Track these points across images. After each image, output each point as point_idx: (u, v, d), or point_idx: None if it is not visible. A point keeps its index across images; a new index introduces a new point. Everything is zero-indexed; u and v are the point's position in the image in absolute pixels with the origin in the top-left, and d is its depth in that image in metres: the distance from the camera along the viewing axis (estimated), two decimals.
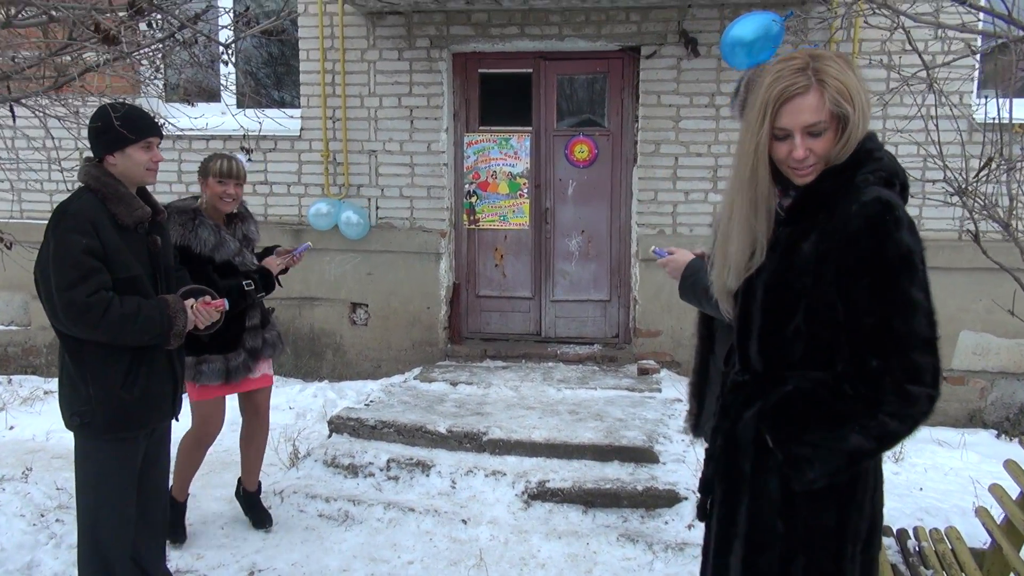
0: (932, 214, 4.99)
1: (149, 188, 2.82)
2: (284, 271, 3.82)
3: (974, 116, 4.84)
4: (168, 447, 2.96)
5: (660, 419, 4.74)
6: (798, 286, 1.60)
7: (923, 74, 2.92)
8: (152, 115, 2.70)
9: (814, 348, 1.62)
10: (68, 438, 5.18)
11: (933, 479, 4.54)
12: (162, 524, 3.00)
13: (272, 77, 6.78)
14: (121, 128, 2.54)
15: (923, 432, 5.32)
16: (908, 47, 3.09)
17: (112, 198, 2.55)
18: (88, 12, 1.98)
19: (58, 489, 4.09)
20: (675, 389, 5.38)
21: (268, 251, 3.87)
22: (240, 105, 6.18)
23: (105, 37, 1.93)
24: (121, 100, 2.50)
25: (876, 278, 1.52)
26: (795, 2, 5.53)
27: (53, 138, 2.67)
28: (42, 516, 3.80)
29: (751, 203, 1.66)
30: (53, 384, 6.06)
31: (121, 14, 2.29)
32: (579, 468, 4.26)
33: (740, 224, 1.67)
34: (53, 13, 2.03)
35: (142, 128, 2.62)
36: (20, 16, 2.06)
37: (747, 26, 3.38)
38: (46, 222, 2.57)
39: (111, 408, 2.60)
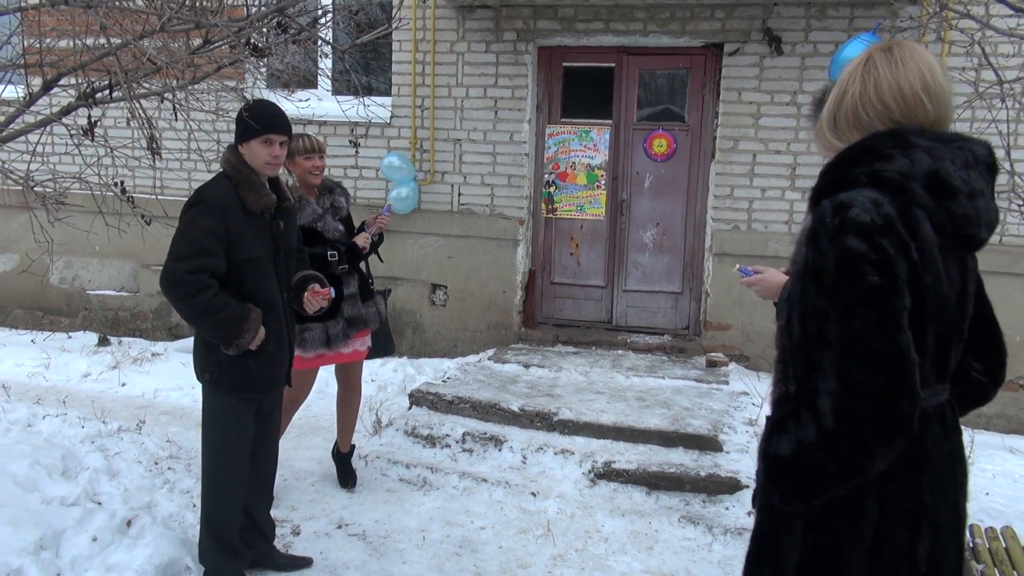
0: (1014, 220, 4.95)
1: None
2: (380, 239, 4.11)
3: None
4: (280, 407, 3.30)
5: (726, 410, 4.88)
6: (792, 294, 1.51)
7: (1000, 86, 2.98)
8: (283, 115, 2.94)
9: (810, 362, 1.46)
10: (175, 396, 5.68)
11: (1001, 484, 4.56)
12: (271, 478, 3.34)
13: (363, 64, 7.12)
14: (247, 121, 2.84)
15: (995, 439, 5.31)
16: (992, 54, 3.15)
17: (244, 185, 2.85)
18: (245, 28, 2.27)
19: (168, 441, 4.52)
20: (742, 382, 5.50)
21: (360, 230, 4.17)
22: (335, 92, 6.55)
23: (255, 51, 2.22)
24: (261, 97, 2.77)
25: (813, 284, 1.41)
26: (883, 2, 5.51)
27: (192, 123, 2.98)
28: (156, 464, 4.22)
29: None
30: (160, 347, 6.61)
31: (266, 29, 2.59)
32: (644, 452, 4.45)
33: None
34: (200, 22, 2.33)
35: (264, 124, 2.87)
36: (172, 23, 2.36)
37: (857, 49, 3.65)
38: (184, 198, 2.89)
39: (238, 371, 2.93)
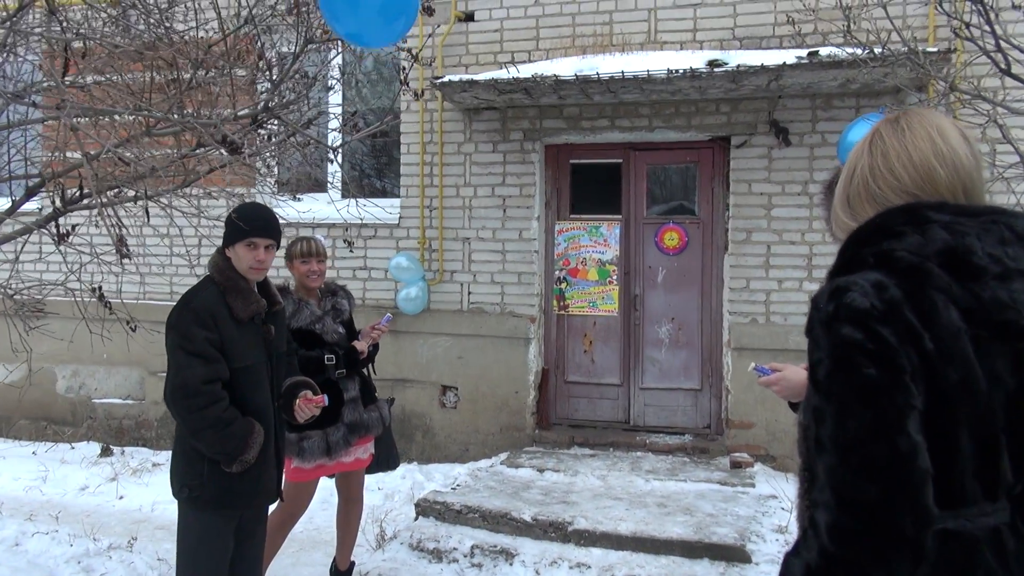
0: None
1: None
2: (376, 348, 3.97)
3: None
4: (264, 523, 3.07)
5: (753, 516, 4.56)
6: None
7: (1019, 165, 2.85)
8: (270, 217, 2.87)
9: None
10: (172, 510, 5.41)
11: None
12: None
13: (375, 167, 7.19)
14: (234, 223, 2.77)
15: None
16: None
17: (231, 291, 2.75)
18: (217, 125, 2.22)
19: (159, 559, 4.27)
20: (769, 485, 5.17)
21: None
22: (344, 196, 6.58)
23: (230, 147, 2.16)
24: (250, 200, 2.72)
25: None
26: (889, 92, 5.50)
27: (177, 227, 2.92)
28: None
29: None
30: (162, 457, 6.40)
31: (241, 123, 2.54)
32: (667, 564, 4.12)
33: None
34: (183, 125, 2.28)
35: (250, 228, 2.79)
36: (158, 127, 2.32)
37: (864, 128, 3.67)
38: (166, 303, 2.79)
39: (222, 485, 2.74)
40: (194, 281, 2.85)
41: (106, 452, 6.64)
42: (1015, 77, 2.66)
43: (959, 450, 1.21)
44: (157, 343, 4.00)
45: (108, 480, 5.91)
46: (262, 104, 2.34)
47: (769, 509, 4.72)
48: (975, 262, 1.26)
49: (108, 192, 2.46)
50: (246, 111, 2.49)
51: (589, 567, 4.10)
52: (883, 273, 1.26)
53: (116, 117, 2.40)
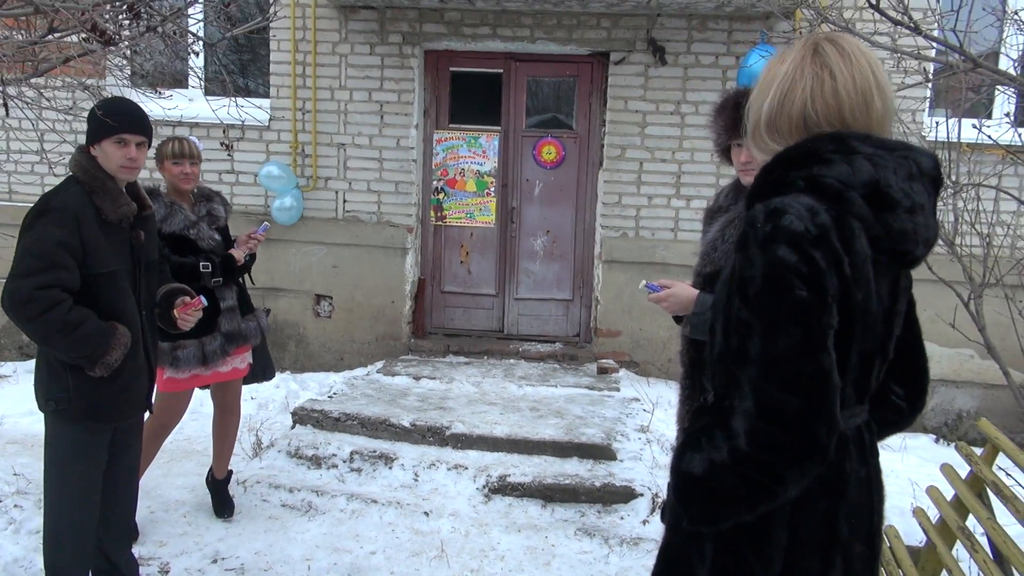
0: None
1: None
2: (252, 257, 3.84)
3: (926, 136, 5.07)
4: (140, 436, 2.98)
5: (618, 417, 4.88)
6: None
7: None
8: (140, 112, 2.66)
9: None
10: (24, 423, 5.14)
11: None
12: (129, 513, 3.02)
13: (238, 64, 6.74)
14: (99, 119, 2.55)
15: None
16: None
17: (99, 191, 2.55)
18: (87, 10, 2.00)
19: (15, 475, 4.06)
20: (633, 388, 5.53)
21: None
22: (208, 93, 6.15)
23: (102, 36, 1.96)
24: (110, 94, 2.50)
25: (738, 293, 1.32)
26: (760, 17, 5.71)
27: (43, 120, 2.64)
28: (0, 501, 3.77)
29: None
30: (6, 368, 5.98)
31: (111, 8, 2.31)
32: (539, 464, 4.37)
33: None
34: (39, 5, 2.04)
35: (118, 123, 2.58)
36: (5, 6, 2.06)
37: (759, 58, 4.41)
38: (6, 203, 2.56)
39: (89, 398, 2.61)
40: (29, 180, 2.62)
41: None
42: (880, 11, 2.84)
43: (848, 362, 1.35)
44: None
45: None
46: None
47: (632, 411, 5.06)
48: (892, 195, 1.34)
49: None
50: None
51: (466, 468, 4.28)
52: (814, 198, 1.31)
53: None
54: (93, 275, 2.57)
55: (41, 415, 2.72)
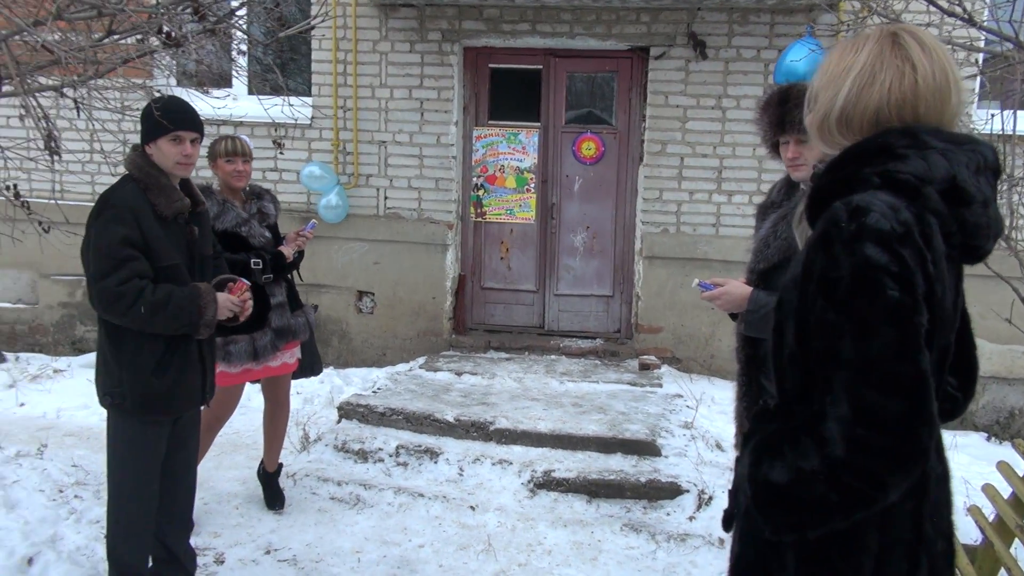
0: None
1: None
2: (301, 255, 3.90)
3: (976, 129, 4.97)
4: (197, 430, 3.05)
5: (662, 413, 4.86)
6: (786, 303, 1.39)
7: None
8: (193, 110, 2.74)
9: (810, 380, 1.34)
10: (80, 416, 5.29)
11: None
12: (188, 505, 3.09)
13: (280, 64, 6.82)
14: (155, 118, 2.62)
15: None
16: None
17: (153, 188, 2.62)
18: (157, 14, 2.05)
19: (74, 466, 4.17)
20: (676, 385, 5.51)
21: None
22: (250, 92, 6.25)
23: (168, 38, 2.01)
24: (166, 94, 2.56)
25: (823, 295, 1.28)
26: (803, 9, 5.64)
27: (94, 120, 2.71)
28: (60, 492, 3.88)
29: None
30: (62, 363, 6.15)
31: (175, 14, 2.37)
32: (583, 459, 4.37)
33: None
34: (102, 8, 2.10)
35: (173, 121, 2.66)
36: (71, 9, 2.13)
37: (801, 51, 4.48)
38: (87, 204, 2.63)
39: (141, 393, 2.69)
40: (113, 181, 2.70)
41: None
42: (935, 3, 2.79)
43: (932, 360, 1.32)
44: (49, 244, 3.77)
45: (6, 387, 5.64)
46: None
47: (676, 407, 5.05)
48: (968, 190, 1.32)
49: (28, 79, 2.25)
50: None
51: (511, 463, 4.30)
52: (892, 195, 1.29)
53: None
54: (156, 268, 2.65)
55: (97, 408, 2.81)
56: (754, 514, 1.37)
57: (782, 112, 2.39)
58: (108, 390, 2.73)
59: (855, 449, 1.22)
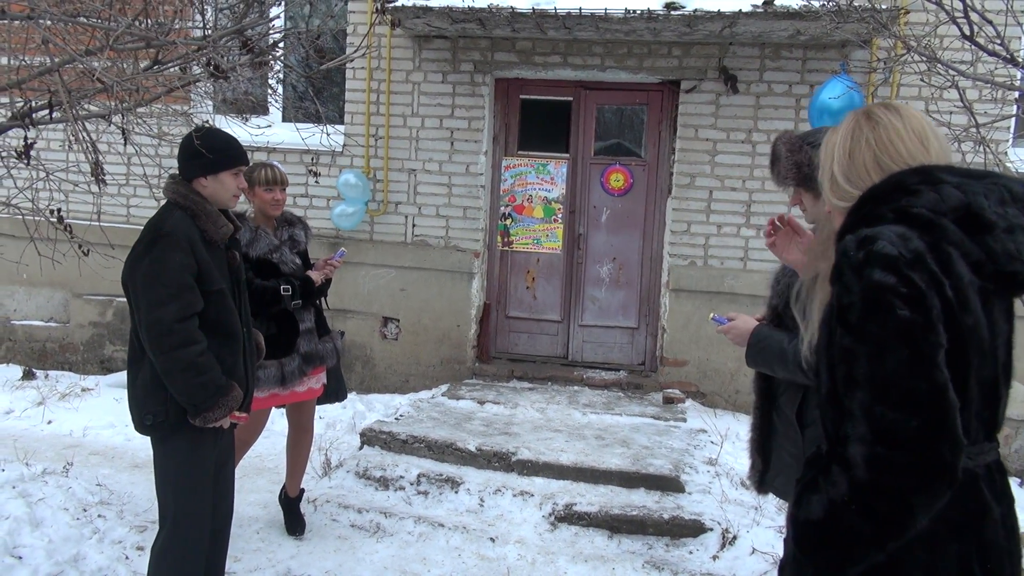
0: None
1: None
2: (328, 282, 3.93)
3: (1010, 167, 4.91)
4: (233, 453, 3.05)
5: (686, 449, 4.81)
6: (818, 346, 1.43)
7: (972, 128, 3.00)
8: (239, 144, 2.82)
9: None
10: (104, 435, 5.33)
11: None
12: (228, 527, 3.05)
13: (311, 92, 6.93)
14: (217, 154, 2.68)
15: None
16: (946, 97, 3.20)
17: (201, 215, 2.67)
18: (206, 46, 2.11)
19: (98, 485, 4.20)
20: (700, 419, 5.45)
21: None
22: (285, 119, 6.36)
23: (217, 69, 2.06)
24: (206, 123, 2.62)
25: (839, 322, 1.32)
26: (835, 46, 5.64)
27: (134, 146, 2.77)
28: (84, 511, 3.91)
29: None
30: (90, 381, 6.22)
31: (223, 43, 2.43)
32: (605, 493, 4.33)
33: (821, 283, 1.61)
34: (150, 41, 2.16)
35: (235, 156, 2.76)
36: (122, 40, 2.19)
37: (836, 88, 4.41)
38: (122, 226, 2.67)
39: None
40: (151, 202, 2.74)
41: (28, 375, 6.40)
42: (975, 43, 2.78)
43: (969, 391, 1.32)
44: (83, 264, 3.82)
45: (35, 404, 5.72)
46: (237, 26, 2.23)
47: (700, 443, 4.98)
48: (987, 217, 1.35)
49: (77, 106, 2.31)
50: (228, 30, 2.36)
51: (532, 495, 4.26)
52: (904, 226, 1.33)
53: (84, 20, 2.23)
54: (207, 292, 2.68)
55: (123, 428, 2.79)
56: (798, 556, 1.36)
57: (775, 171, 2.38)
58: (150, 408, 2.66)
59: (877, 468, 1.22)
